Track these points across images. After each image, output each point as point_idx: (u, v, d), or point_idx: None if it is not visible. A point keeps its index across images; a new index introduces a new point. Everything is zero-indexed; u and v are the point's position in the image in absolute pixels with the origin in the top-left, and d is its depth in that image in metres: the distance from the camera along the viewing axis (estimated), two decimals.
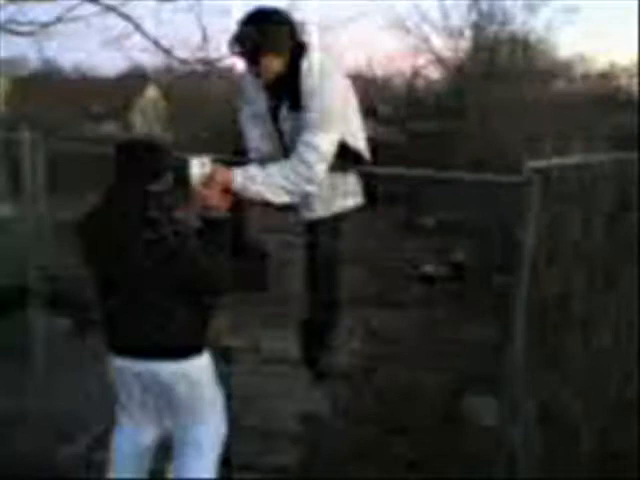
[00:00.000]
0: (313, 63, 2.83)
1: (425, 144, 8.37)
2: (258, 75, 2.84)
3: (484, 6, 10.67)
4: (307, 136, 2.69)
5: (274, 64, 2.77)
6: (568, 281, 2.66)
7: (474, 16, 10.70)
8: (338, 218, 2.93)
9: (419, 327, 4.10)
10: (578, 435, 2.41)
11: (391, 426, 2.97)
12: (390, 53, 11.74)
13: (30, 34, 7.19)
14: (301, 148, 2.66)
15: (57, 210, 3.88)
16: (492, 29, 10.68)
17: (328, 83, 2.75)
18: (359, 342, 3.90)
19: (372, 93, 10.83)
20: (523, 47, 10.59)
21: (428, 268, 5.00)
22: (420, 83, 11.25)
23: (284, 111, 2.86)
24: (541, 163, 2.23)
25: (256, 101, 2.99)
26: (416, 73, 11.16)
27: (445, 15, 10.81)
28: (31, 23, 7.14)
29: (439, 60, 10.97)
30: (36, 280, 2.85)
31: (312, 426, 3.04)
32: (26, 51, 9.54)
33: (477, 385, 3.09)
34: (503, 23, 10.58)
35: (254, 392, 3.13)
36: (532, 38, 10.64)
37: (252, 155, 3.00)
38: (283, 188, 2.67)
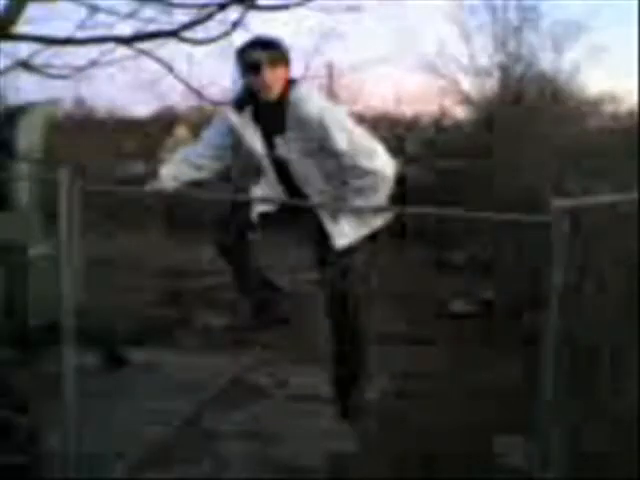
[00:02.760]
0: (307, 91, 2.94)
1: (453, 182, 8.38)
2: (257, 93, 2.93)
3: (511, 46, 10.77)
4: (352, 165, 2.79)
5: (279, 79, 2.87)
6: (598, 320, 2.64)
7: (501, 56, 10.80)
8: (367, 240, 2.99)
9: (449, 365, 4.07)
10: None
11: (421, 465, 2.94)
12: (418, 93, 11.91)
13: (66, 77, 7.41)
14: (356, 179, 2.75)
15: (90, 249, 3.96)
16: (519, 69, 10.75)
17: (329, 108, 2.87)
18: (388, 380, 3.87)
19: (400, 132, 10.91)
20: (551, 86, 10.62)
21: (457, 305, 4.98)
22: (448, 122, 11.31)
23: (279, 139, 2.94)
24: (568, 202, 2.23)
25: (240, 133, 3.08)
26: (444, 113, 11.24)
27: (472, 56, 10.93)
28: (67, 66, 7.36)
29: (467, 100, 11.03)
30: (69, 317, 2.89)
31: (341, 464, 3.02)
32: (62, 93, 9.80)
33: (507, 424, 3.05)
34: (530, 63, 10.65)
35: (282, 429, 3.12)
36: (560, 77, 10.68)
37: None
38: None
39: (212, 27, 7.48)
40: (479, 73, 10.88)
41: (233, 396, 3.51)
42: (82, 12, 7.13)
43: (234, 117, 3.12)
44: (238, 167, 5.83)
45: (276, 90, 2.93)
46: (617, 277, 2.51)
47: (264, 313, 3.27)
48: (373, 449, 3.03)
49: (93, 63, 7.29)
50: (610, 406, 2.39)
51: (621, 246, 2.53)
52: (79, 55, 7.67)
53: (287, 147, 2.97)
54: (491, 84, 10.89)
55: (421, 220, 6.27)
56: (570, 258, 2.21)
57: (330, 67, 10.59)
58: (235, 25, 7.52)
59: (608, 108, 11.81)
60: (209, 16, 7.49)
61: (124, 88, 9.72)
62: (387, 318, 4.91)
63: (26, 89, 7.67)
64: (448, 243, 6.50)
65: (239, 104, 3.12)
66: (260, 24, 7.62)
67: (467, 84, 11.09)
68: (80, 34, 7.19)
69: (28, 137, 4.13)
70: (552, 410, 2.22)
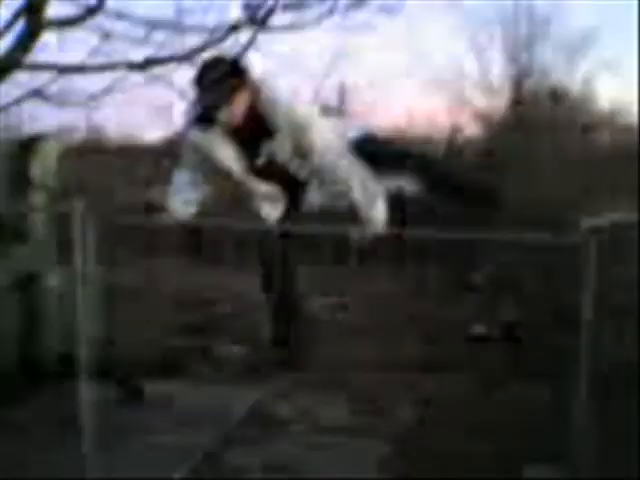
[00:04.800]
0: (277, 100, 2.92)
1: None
2: (224, 121, 2.90)
3: (523, 61, 10.73)
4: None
5: (239, 99, 2.86)
6: (630, 342, 2.56)
7: (513, 70, 10.76)
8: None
9: (473, 391, 3.97)
10: None
11: None
12: (430, 109, 11.84)
13: (79, 104, 7.41)
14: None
15: (106, 278, 3.92)
16: (531, 83, 10.70)
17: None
18: (410, 408, 3.78)
19: (413, 149, 10.85)
20: (563, 100, 10.55)
21: (479, 329, 4.88)
22: (460, 138, 11.24)
23: (266, 146, 2.92)
24: (596, 221, 2.16)
25: (215, 157, 3.05)
26: (456, 128, 11.18)
27: (484, 71, 10.89)
28: (80, 94, 7.36)
29: (479, 115, 10.98)
30: (85, 349, 2.84)
31: None
32: (75, 121, 9.81)
33: (537, 452, 2.96)
34: (542, 76, 10.60)
35: (305, 462, 3.04)
36: (572, 91, 10.61)
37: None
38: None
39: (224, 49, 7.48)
40: (491, 88, 10.85)
41: (252, 429, 3.43)
42: (95, 39, 7.13)
43: (199, 138, 3.11)
44: None
45: (240, 113, 2.91)
46: None
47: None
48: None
49: (107, 90, 7.29)
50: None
51: None
52: (93, 83, 7.68)
53: (279, 150, 2.96)
54: (503, 99, 10.86)
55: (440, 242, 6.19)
56: (600, 279, 2.14)
57: (342, 87, 10.58)
58: (247, 47, 7.50)
59: (620, 120, 11.70)
60: (221, 39, 7.48)
61: (138, 115, 9.74)
62: (408, 343, 4.84)
63: (40, 118, 7.69)
64: (468, 264, 6.41)
65: (203, 124, 3.08)
66: (273, 45, 7.61)
67: (479, 99, 11.06)
68: (93, 61, 7.20)
69: (43, 167, 4.12)
70: (584, 439, 2.15)
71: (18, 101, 6.61)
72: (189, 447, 3.10)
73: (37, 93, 7.13)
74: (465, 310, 5.55)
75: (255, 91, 2.99)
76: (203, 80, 2.97)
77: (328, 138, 3.01)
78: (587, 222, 2.10)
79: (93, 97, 7.58)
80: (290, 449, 3.15)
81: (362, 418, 3.60)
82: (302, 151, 3.00)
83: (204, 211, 3.64)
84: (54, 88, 7.38)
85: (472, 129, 11.35)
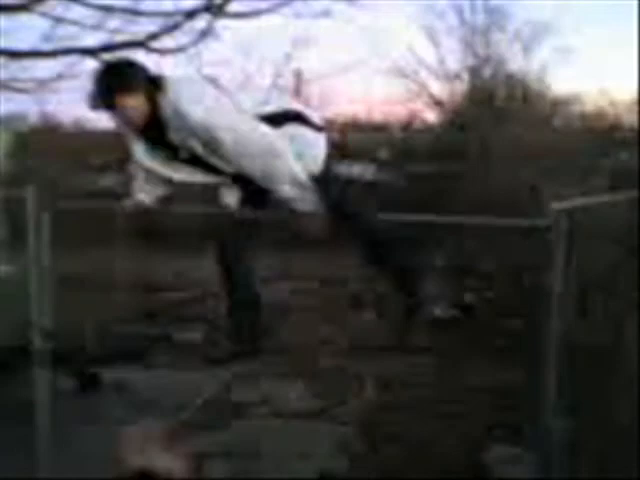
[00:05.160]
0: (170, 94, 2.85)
1: (425, 187, 8.33)
2: (127, 123, 2.85)
3: (479, 49, 10.79)
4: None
5: (130, 103, 2.78)
6: (599, 325, 2.57)
7: (470, 59, 10.82)
8: None
9: (433, 373, 3.98)
10: None
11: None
12: (388, 98, 11.92)
13: (30, 90, 7.24)
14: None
15: (59, 266, 3.82)
16: (488, 71, 10.77)
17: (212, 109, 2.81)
18: (372, 391, 3.78)
19: (371, 138, 10.86)
20: (520, 88, 10.66)
21: (437, 311, 4.88)
22: (418, 126, 11.29)
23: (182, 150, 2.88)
24: (565, 205, 2.20)
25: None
26: (414, 117, 11.23)
27: (441, 59, 10.92)
28: (32, 80, 7.20)
29: (437, 103, 11.03)
30: (39, 338, 2.77)
31: None
32: (27, 107, 9.57)
33: (501, 434, 2.98)
34: (499, 65, 10.68)
35: (266, 448, 3.02)
36: (529, 79, 10.71)
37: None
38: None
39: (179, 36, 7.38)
40: (448, 76, 10.89)
41: (212, 415, 3.39)
42: (47, 24, 6.97)
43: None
44: None
45: (139, 121, 2.86)
46: (617, 278, 2.46)
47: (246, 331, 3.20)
48: (362, 466, 2.93)
49: (59, 76, 7.13)
50: (613, 412, 2.33)
51: (621, 246, 2.48)
52: (44, 68, 7.51)
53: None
54: (461, 87, 10.92)
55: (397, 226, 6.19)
56: (568, 260, 2.16)
57: (298, 74, 10.51)
58: (204, 34, 7.41)
59: (576, 108, 11.88)
60: (176, 25, 7.37)
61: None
62: (368, 327, 4.84)
63: None
64: (426, 250, 6.42)
65: None
66: (230, 32, 7.55)
67: (437, 88, 11.10)
68: (45, 46, 7.03)
69: None
70: (554, 416, 2.16)
71: None
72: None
73: None
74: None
75: (152, 94, 2.87)
76: (95, 84, 2.88)
77: (243, 137, 2.87)
78: (559, 205, 2.14)
79: (44, 83, 7.44)
80: (249, 434, 3.13)
81: (322, 402, 3.59)
82: (216, 151, 2.89)
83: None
84: (4, 74, 7.21)
85: (430, 116, 11.41)
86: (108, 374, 3.82)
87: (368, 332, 4.76)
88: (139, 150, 3.09)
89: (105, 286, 5.21)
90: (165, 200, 3.30)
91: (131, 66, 2.91)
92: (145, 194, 3.19)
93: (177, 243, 6.88)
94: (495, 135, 9.01)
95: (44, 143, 8.11)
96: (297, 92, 10.42)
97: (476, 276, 5.45)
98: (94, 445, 3.02)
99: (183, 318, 5.00)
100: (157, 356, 4.28)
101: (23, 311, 2.91)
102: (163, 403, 3.49)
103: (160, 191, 3.22)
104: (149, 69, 2.95)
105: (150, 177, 3.16)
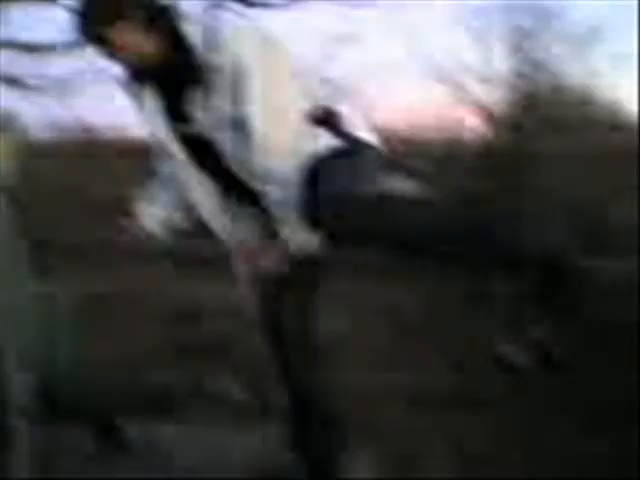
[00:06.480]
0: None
1: (474, 200, 7.72)
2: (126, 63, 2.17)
3: (528, 54, 10.14)
4: None
5: (129, 37, 2.08)
6: None
7: (517, 64, 10.17)
8: None
9: (513, 435, 3.35)
10: None
11: None
12: (430, 104, 11.20)
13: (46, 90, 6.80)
14: None
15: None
16: (537, 77, 10.13)
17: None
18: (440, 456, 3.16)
19: (410, 147, 10.24)
20: (572, 95, 10.02)
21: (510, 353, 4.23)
22: (462, 134, 10.66)
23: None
24: None
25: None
26: (458, 124, 10.61)
27: (488, 64, 10.28)
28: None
29: (482, 110, 10.40)
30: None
31: None
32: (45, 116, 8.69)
33: None
34: (549, 71, 10.03)
35: None
36: (580, 85, 10.06)
37: None
38: None
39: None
40: (494, 82, 10.25)
41: None
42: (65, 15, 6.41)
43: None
44: None
45: (136, 45, 2.10)
46: None
47: None
48: None
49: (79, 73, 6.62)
50: None
51: None
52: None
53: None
54: (506, 94, 10.28)
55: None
56: None
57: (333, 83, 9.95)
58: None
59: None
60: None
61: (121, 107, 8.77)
62: (429, 374, 4.20)
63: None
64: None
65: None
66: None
67: (481, 93, 10.44)
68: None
69: None
70: None
71: None
72: None
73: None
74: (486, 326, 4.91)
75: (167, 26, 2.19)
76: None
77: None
78: None
79: (63, 82, 6.90)
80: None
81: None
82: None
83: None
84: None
85: (474, 124, 10.75)
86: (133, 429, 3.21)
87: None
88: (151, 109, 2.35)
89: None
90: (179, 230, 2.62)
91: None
92: (152, 213, 2.52)
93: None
94: (547, 144, 8.42)
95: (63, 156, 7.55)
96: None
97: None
98: None
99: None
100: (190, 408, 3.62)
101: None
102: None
103: (175, 208, 2.55)
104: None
105: (167, 179, 2.49)
